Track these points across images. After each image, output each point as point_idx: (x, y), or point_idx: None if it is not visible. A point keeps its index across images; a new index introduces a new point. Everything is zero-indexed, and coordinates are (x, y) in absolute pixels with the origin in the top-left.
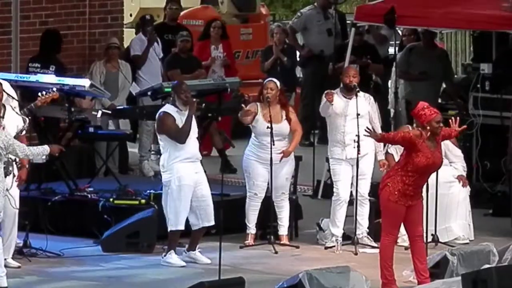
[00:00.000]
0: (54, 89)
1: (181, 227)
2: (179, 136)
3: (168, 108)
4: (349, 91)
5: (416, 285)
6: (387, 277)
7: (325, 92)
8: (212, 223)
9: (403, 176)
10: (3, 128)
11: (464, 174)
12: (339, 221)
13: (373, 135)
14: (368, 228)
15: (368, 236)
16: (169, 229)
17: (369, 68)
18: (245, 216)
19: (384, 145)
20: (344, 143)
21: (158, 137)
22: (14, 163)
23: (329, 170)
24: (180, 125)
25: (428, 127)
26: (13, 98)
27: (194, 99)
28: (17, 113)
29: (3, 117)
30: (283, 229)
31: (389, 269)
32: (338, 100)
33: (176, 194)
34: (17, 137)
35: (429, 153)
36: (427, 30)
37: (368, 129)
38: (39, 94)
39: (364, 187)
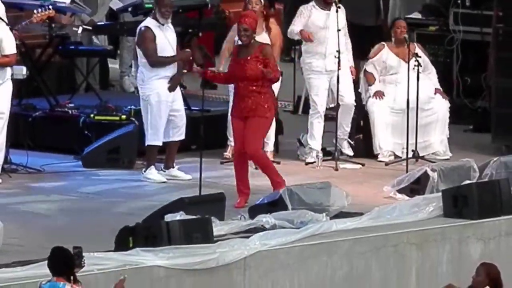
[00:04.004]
0: (50, 6)
1: (159, 142)
2: (154, 62)
3: (149, 22)
4: (326, 5)
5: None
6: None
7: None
8: (183, 137)
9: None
10: None
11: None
12: (317, 134)
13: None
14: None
15: (349, 140)
16: (146, 144)
17: None
18: (227, 129)
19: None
20: (325, 55)
21: (137, 50)
22: None
23: None
24: (160, 41)
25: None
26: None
27: (187, 50)
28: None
29: None
30: (269, 145)
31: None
32: (317, 13)
33: (155, 110)
34: None
35: (234, 62)
36: None
37: None
38: (34, 11)
39: (349, 97)
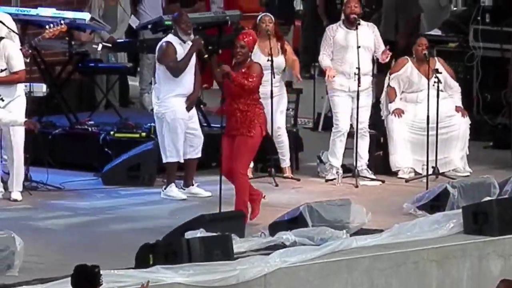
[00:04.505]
0: (62, 21)
1: (178, 158)
2: (175, 69)
3: (170, 38)
4: (351, 23)
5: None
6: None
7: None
8: (199, 155)
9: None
10: None
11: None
12: (339, 153)
13: None
14: (368, 160)
15: (368, 169)
16: (165, 161)
17: None
18: None
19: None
20: (350, 74)
21: (156, 67)
22: None
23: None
24: (180, 56)
25: None
26: (13, 31)
27: (197, 37)
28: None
29: None
30: (286, 161)
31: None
32: (342, 32)
33: (171, 127)
34: None
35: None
36: None
37: None
38: (47, 26)
39: (365, 120)
